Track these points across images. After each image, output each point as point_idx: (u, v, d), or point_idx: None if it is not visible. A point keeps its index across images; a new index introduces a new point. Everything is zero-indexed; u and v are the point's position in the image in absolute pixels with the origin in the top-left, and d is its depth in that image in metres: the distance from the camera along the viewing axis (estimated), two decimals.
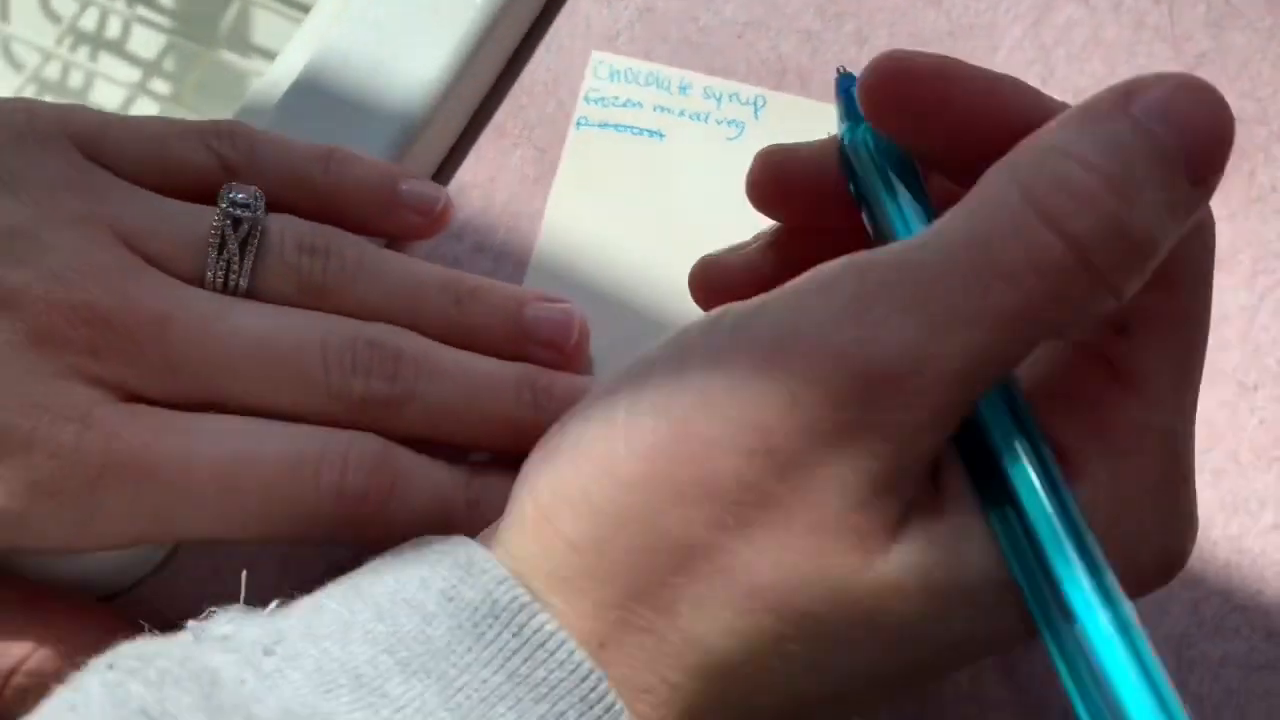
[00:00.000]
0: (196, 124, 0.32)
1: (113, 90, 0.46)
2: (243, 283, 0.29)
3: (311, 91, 0.35)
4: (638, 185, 0.36)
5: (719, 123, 0.37)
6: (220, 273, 0.29)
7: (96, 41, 0.47)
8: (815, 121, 0.36)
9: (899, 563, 0.22)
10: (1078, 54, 0.37)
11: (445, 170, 0.37)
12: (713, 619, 0.22)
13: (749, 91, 0.37)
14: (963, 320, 0.22)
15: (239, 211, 0.29)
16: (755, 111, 0.37)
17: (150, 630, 0.23)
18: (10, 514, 0.26)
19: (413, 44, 0.35)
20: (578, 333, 0.31)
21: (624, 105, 0.37)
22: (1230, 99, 0.35)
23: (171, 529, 0.27)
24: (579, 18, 0.39)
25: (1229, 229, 0.35)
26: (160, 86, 0.47)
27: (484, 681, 0.22)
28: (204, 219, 0.29)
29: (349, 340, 0.28)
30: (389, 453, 0.28)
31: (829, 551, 0.22)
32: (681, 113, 0.37)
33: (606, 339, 0.32)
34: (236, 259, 0.29)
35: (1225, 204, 0.35)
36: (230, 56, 0.45)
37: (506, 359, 0.30)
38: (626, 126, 0.37)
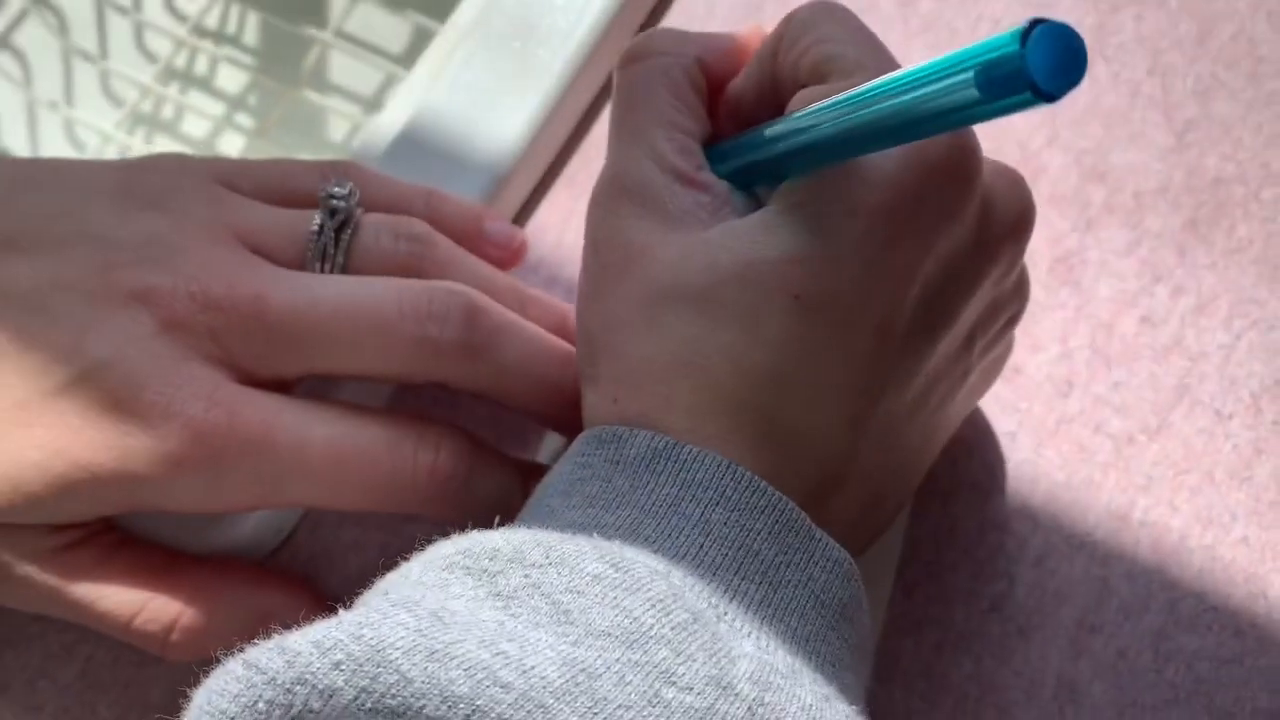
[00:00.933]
0: (316, 161, 0.37)
1: (200, 123, 0.51)
2: (340, 259, 0.34)
3: (412, 143, 0.40)
4: None
5: None
6: (318, 256, 0.34)
7: (187, 78, 0.52)
8: None
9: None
10: (1080, 119, 0.42)
11: (524, 214, 0.42)
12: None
13: None
14: None
15: (335, 202, 0.34)
16: None
17: None
18: (150, 479, 0.31)
19: (500, 105, 0.40)
20: None
21: None
22: (1213, 160, 0.41)
23: (286, 497, 0.32)
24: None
25: (1210, 276, 0.40)
26: (245, 121, 0.51)
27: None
28: (309, 217, 0.35)
29: (425, 290, 0.33)
30: (473, 440, 0.34)
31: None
32: None
33: None
34: (332, 243, 0.34)
35: (1208, 254, 0.41)
36: (310, 95, 0.50)
37: None
38: None
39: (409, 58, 0.49)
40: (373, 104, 0.51)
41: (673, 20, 0.43)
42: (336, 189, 0.34)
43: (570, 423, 0.32)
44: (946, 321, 0.30)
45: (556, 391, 0.34)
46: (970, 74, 0.22)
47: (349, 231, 0.34)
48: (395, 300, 0.33)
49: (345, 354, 0.33)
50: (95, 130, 0.49)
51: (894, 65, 0.29)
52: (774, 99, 0.32)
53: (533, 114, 0.40)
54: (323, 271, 0.34)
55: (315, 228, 0.34)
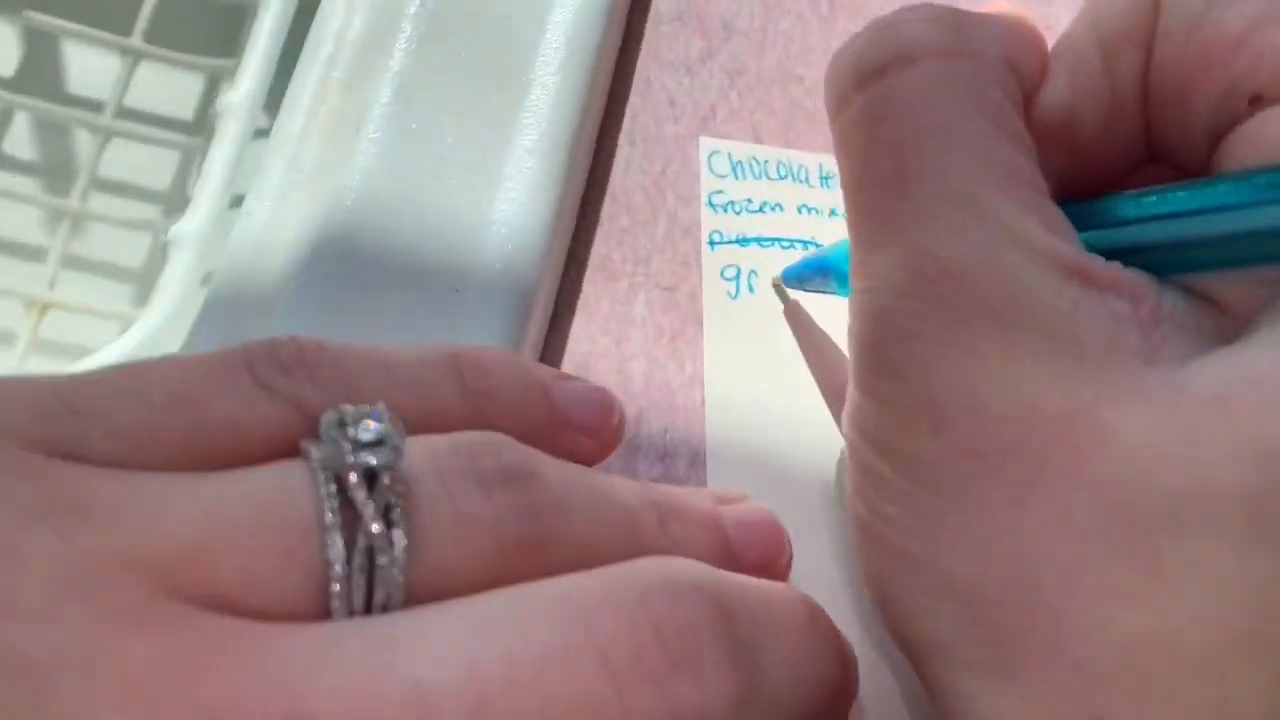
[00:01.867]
0: (228, 355, 0.19)
1: None
2: (396, 576, 0.17)
3: (319, 257, 0.23)
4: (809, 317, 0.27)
5: None
6: (347, 601, 0.17)
7: None
8: None
9: None
10: None
11: (553, 341, 0.26)
12: None
13: None
14: None
15: (370, 458, 0.17)
16: None
17: None
18: None
19: (468, 161, 0.24)
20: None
21: (759, 210, 0.28)
22: None
23: None
24: (657, 94, 0.28)
25: None
26: None
27: None
28: (296, 499, 0.17)
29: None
30: None
31: None
32: (833, 212, 0.28)
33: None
34: (368, 553, 0.17)
35: None
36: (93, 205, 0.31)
37: None
38: (773, 240, 0.27)
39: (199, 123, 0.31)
40: (173, 201, 0.33)
41: None
42: (362, 432, 0.17)
43: None
44: None
45: (846, 695, 0.19)
46: None
47: (394, 502, 0.17)
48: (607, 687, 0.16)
49: None
50: None
51: None
52: (1133, 122, 0.19)
53: (533, 169, 0.24)
54: (368, 613, 0.17)
55: (330, 535, 0.16)
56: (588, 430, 0.22)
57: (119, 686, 0.14)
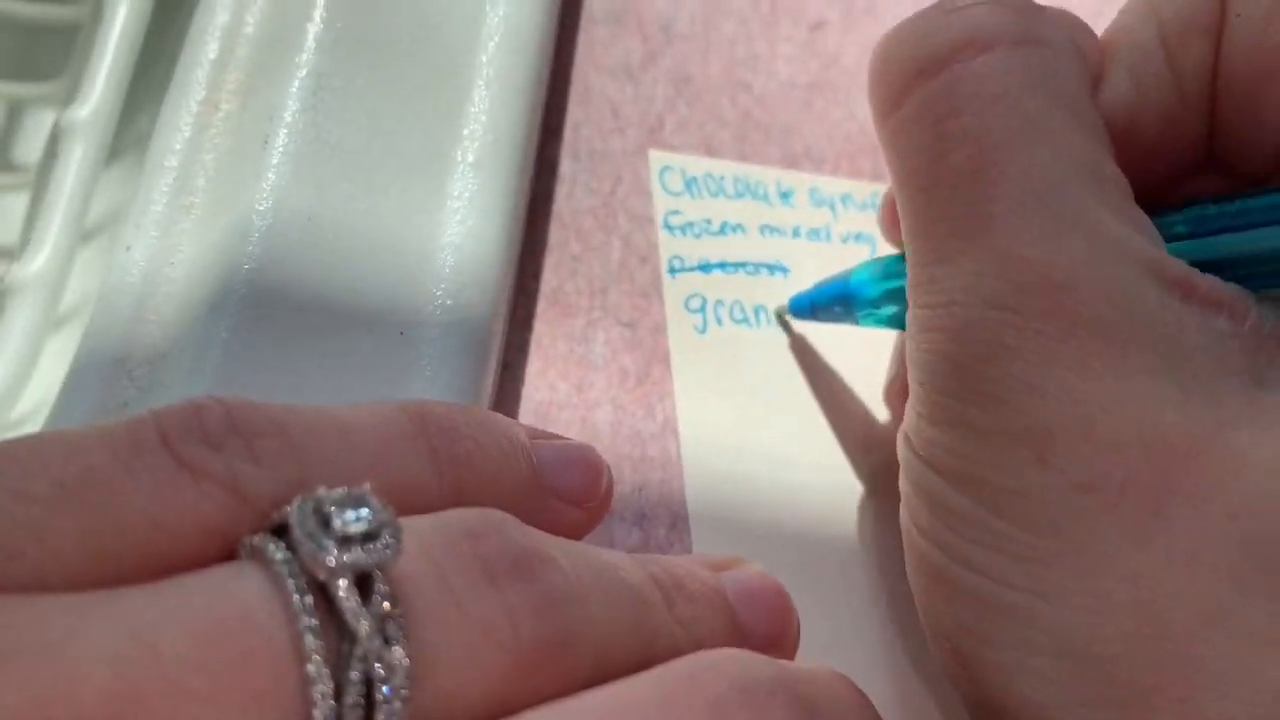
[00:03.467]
0: (135, 427, 0.14)
1: None
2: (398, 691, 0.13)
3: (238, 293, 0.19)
4: (789, 359, 0.24)
5: (845, 240, 0.25)
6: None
7: None
8: None
9: None
10: None
11: (507, 388, 0.22)
12: None
13: (863, 191, 0.26)
14: None
15: (363, 556, 0.13)
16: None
17: None
18: None
19: (398, 179, 0.20)
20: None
21: (720, 232, 0.24)
22: None
23: None
24: (598, 103, 0.25)
25: None
26: None
27: None
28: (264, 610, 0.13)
29: None
30: None
31: None
32: (796, 232, 0.25)
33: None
34: (385, 677, 0.13)
35: None
36: None
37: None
38: (737, 265, 0.24)
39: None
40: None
41: None
42: (351, 518, 0.13)
43: None
44: None
45: None
46: None
47: (391, 612, 0.13)
48: None
49: None
50: None
51: None
52: (1196, 123, 0.17)
53: (481, 187, 0.21)
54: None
55: (308, 640, 0.12)
56: (576, 500, 0.18)
57: None
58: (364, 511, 0.13)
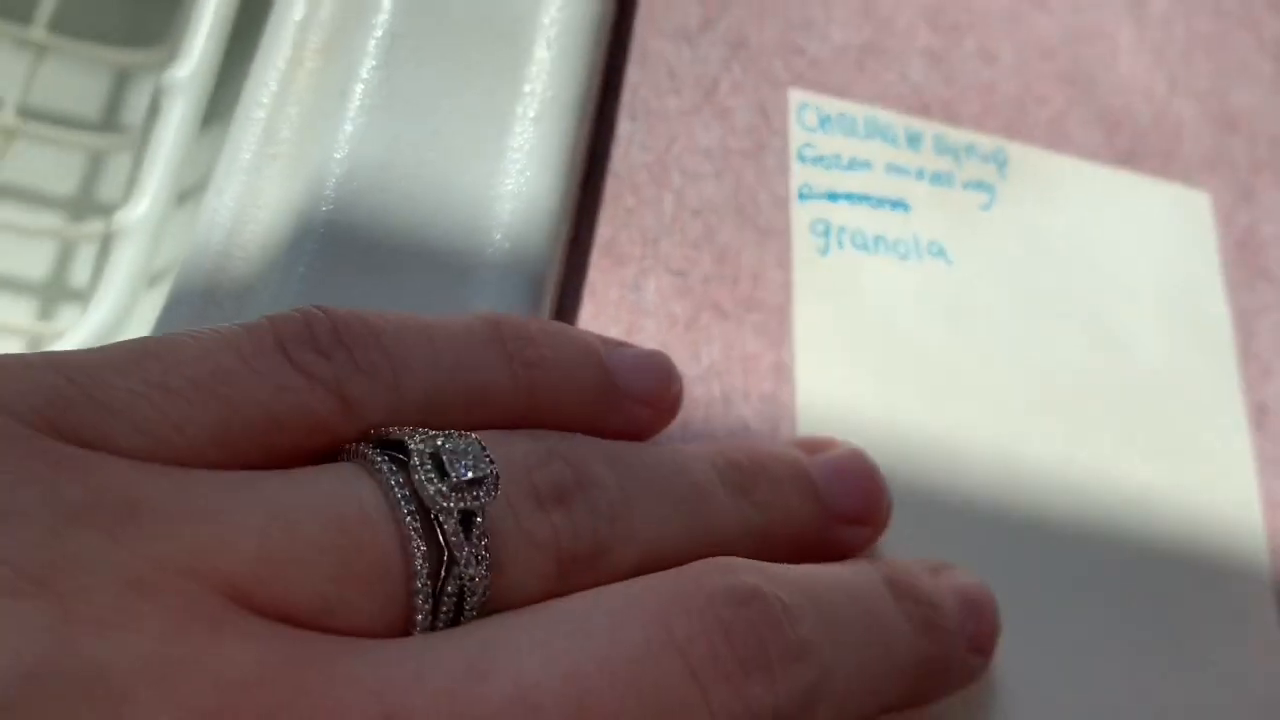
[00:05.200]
0: (255, 332, 0.17)
1: None
2: (479, 592, 0.16)
3: (322, 235, 0.20)
4: (904, 288, 0.25)
5: (966, 186, 0.27)
6: (430, 616, 0.16)
7: None
8: (1068, 183, 0.27)
9: None
10: (1183, 51, 0.30)
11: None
12: None
13: (987, 143, 0.28)
14: None
15: (472, 500, 0.16)
16: (1000, 169, 0.27)
17: None
18: None
19: (466, 132, 0.22)
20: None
21: (847, 167, 0.26)
22: None
23: None
24: (655, 64, 0.26)
25: None
26: None
27: None
28: (362, 510, 0.16)
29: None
30: None
31: None
32: (920, 174, 0.27)
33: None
34: (457, 580, 0.16)
35: None
36: None
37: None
38: (862, 197, 0.26)
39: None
40: (80, 208, 0.30)
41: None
42: (464, 470, 0.16)
43: None
44: None
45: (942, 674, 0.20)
46: None
47: (483, 539, 0.16)
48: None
49: None
50: None
51: None
52: None
53: (539, 140, 0.22)
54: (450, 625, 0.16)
55: (418, 564, 0.16)
56: (646, 399, 0.20)
57: (210, 696, 0.13)
58: (471, 460, 0.16)
